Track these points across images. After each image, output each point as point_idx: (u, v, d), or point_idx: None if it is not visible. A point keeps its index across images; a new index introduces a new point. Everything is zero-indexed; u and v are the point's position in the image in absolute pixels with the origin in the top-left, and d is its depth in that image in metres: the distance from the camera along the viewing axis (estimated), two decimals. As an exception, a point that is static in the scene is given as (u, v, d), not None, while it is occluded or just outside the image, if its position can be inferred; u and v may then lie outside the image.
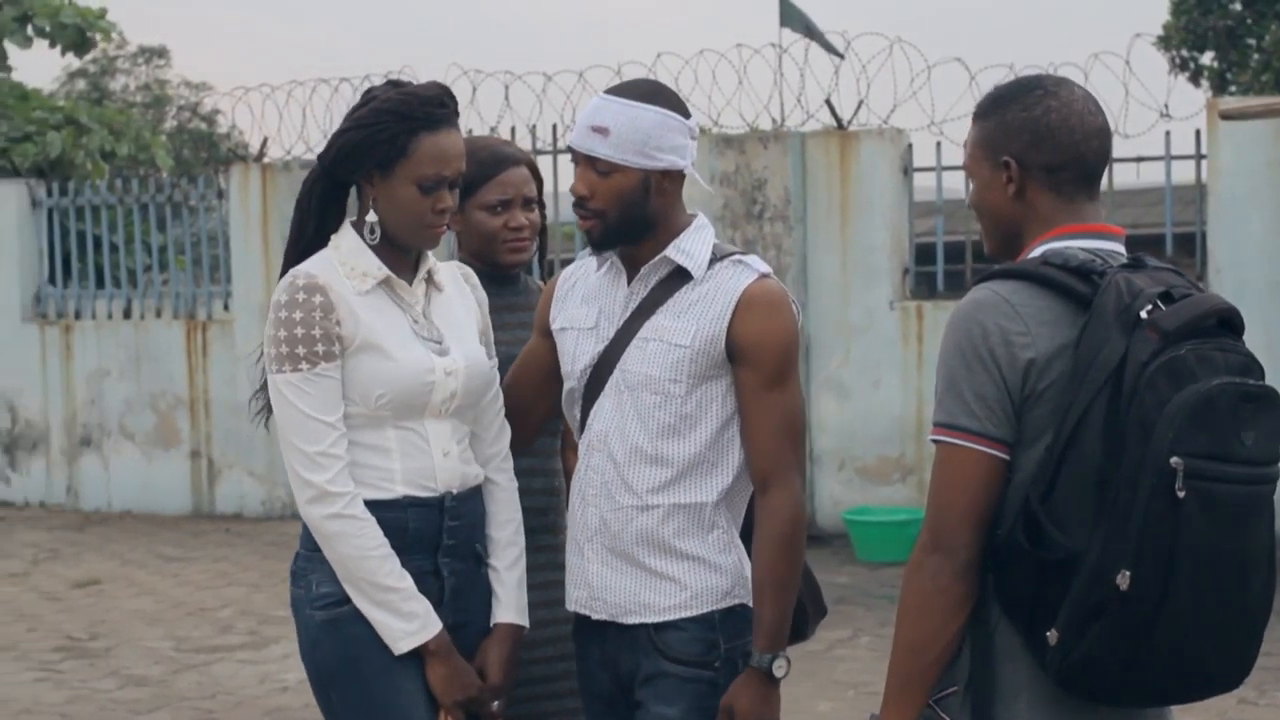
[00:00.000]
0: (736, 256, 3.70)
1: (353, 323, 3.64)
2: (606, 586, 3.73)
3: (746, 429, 3.66)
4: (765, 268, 3.70)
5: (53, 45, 21.20)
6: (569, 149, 3.72)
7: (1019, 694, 3.04)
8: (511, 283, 4.32)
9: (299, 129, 13.70)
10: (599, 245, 3.72)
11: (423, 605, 3.67)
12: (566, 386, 3.85)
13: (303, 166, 13.05)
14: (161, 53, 45.53)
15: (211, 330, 14.07)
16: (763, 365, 3.62)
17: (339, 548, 3.64)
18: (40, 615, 10.21)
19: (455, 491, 3.76)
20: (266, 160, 14.02)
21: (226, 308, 14.18)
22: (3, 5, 20.86)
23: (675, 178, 3.68)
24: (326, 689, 3.75)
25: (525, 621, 3.88)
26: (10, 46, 21.06)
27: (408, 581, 3.65)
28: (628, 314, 3.73)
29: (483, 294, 3.96)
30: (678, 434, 3.66)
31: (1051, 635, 2.91)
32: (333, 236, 3.76)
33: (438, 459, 3.74)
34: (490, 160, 4.17)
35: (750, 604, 3.68)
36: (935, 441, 3.05)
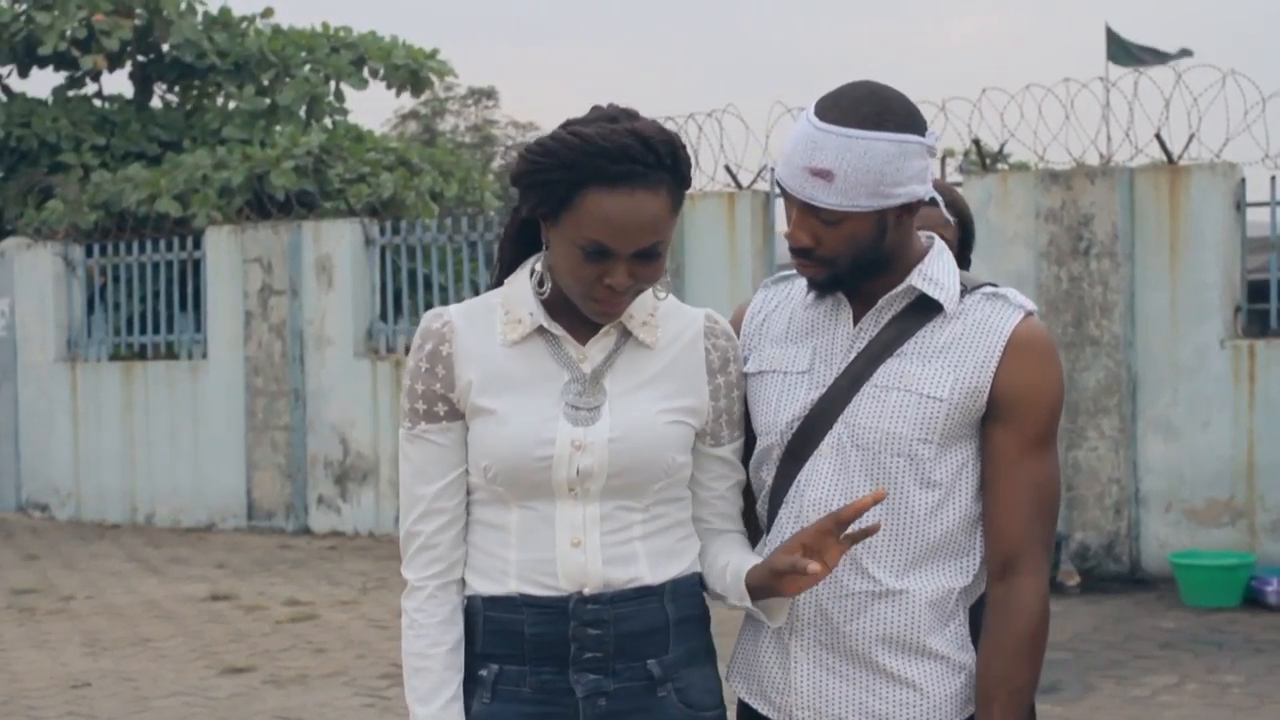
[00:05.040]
0: (989, 289, 3.06)
1: (466, 381, 3.01)
2: (821, 693, 3.05)
3: (994, 501, 3.01)
4: (1030, 304, 3.05)
5: (388, 87, 21.90)
6: (778, 186, 3.09)
7: None
8: None
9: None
10: (825, 289, 3.07)
11: None
12: (762, 444, 3.14)
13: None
14: (490, 94, 46.71)
15: (536, 365, 14.26)
16: (1028, 425, 2.98)
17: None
18: (369, 642, 10.44)
19: (588, 592, 2.97)
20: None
21: (551, 344, 14.37)
22: (340, 49, 21.59)
23: (915, 207, 3.01)
24: None
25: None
26: (346, 88, 21.80)
27: (430, 708, 2.99)
28: (853, 355, 3.05)
29: (734, 348, 3.15)
30: (925, 505, 3.00)
31: None
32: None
33: (562, 550, 2.97)
34: None
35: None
36: None
